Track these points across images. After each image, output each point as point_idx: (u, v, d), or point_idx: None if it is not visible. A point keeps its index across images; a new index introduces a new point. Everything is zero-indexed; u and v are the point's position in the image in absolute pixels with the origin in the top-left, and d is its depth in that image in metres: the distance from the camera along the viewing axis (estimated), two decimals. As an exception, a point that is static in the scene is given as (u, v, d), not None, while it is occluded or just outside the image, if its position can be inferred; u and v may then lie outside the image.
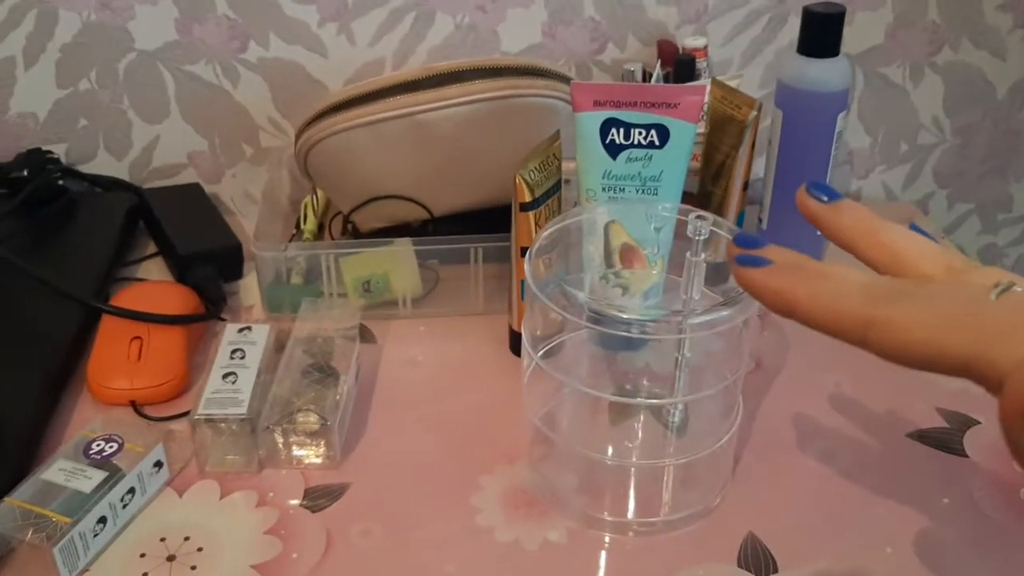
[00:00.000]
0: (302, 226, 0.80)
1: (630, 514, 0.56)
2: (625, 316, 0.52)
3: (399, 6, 0.78)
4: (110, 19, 0.77)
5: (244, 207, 0.86)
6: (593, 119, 0.61)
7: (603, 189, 0.63)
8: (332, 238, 0.78)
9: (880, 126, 0.88)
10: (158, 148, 0.83)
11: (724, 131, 0.70)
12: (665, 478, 0.58)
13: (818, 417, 0.63)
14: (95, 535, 0.50)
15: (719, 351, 0.58)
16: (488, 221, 0.73)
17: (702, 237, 0.55)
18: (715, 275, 0.57)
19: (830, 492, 0.57)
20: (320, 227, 0.80)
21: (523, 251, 0.64)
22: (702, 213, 0.55)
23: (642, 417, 0.62)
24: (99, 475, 0.51)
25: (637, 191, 0.63)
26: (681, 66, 0.76)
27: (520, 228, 0.63)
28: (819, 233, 0.71)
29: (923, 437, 0.62)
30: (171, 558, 0.51)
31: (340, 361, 0.63)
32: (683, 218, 0.58)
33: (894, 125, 0.88)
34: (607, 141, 0.62)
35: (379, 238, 0.72)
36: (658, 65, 0.76)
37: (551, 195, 0.64)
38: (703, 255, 0.55)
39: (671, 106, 0.61)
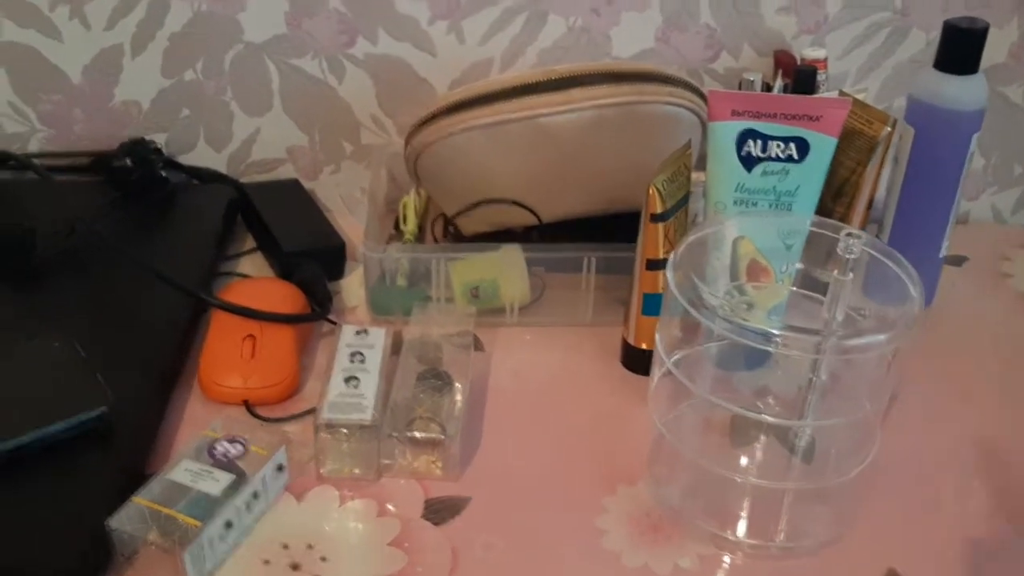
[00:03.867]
0: (402, 227, 0.78)
1: (761, 538, 0.54)
2: (771, 330, 0.50)
3: (511, 6, 0.76)
4: (221, 10, 0.76)
5: (341, 205, 0.85)
6: (730, 129, 0.59)
7: (735, 202, 0.61)
8: (435, 240, 0.76)
9: (995, 147, 0.85)
10: (258, 141, 0.82)
11: (851, 145, 0.68)
12: (790, 501, 0.56)
13: (947, 449, 0.61)
14: (221, 539, 0.49)
15: (862, 372, 0.55)
16: (591, 229, 0.72)
17: (853, 256, 0.52)
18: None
19: (967, 530, 0.55)
20: (420, 228, 0.79)
21: (648, 263, 0.62)
22: (853, 230, 0.53)
23: (764, 439, 0.60)
24: (227, 478, 0.50)
25: (770, 205, 0.60)
26: (801, 77, 0.73)
27: (648, 239, 0.61)
28: (940, 255, 0.68)
29: (1062, 475, 0.59)
30: (295, 566, 0.50)
31: (452, 368, 0.61)
32: (825, 232, 0.56)
33: (1010, 146, 0.85)
34: (743, 153, 0.60)
35: (483, 243, 0.70)
36: (779, 76, 0.74)
37: (680, 206, 0.62)
38: (850, 274, 0.53)
39: (813, 119, 0.59)
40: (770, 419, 0.58)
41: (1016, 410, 0.64)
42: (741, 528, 0.55)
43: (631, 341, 0.66)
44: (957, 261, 0.80)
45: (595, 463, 0.58)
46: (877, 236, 0.74)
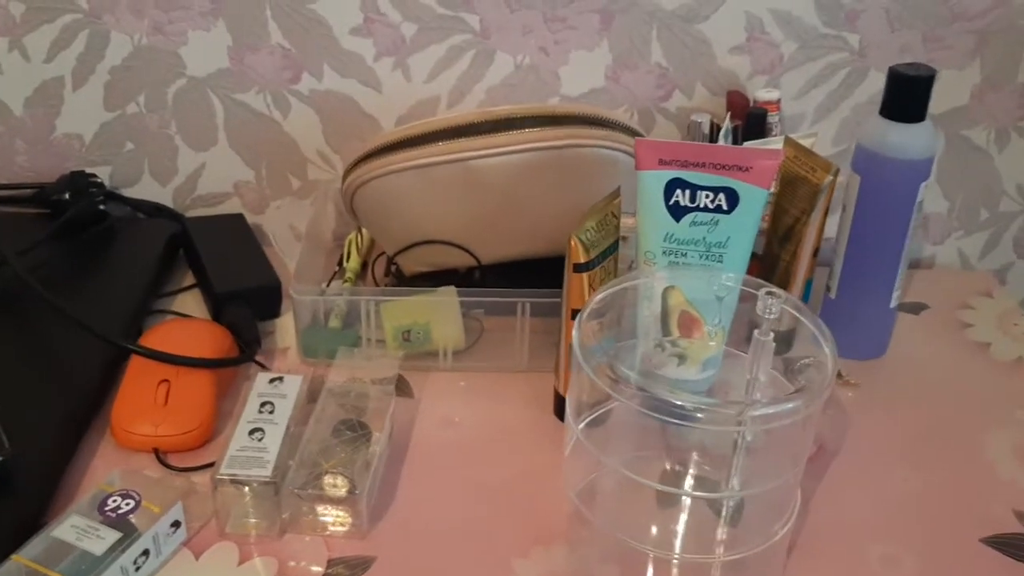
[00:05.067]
0: (345, 264, 0.77)
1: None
2: (680, 403, 0.48)
3: (459, 43, 0.75)
4: (162, 44, 0.75)
5: (286, 241, 0.84)
6: (657, 178, 0.57)
7: (664, 253, 0.59)
8: (375, 279, 0.75)
9: (960, 191, 0.83)
10: (203, 176, 0.81)
11: (795, 192, 0.66)
12: (713, 572, 0.54)
13: (881, 513, 0.58)
14: (103, 601, 0.47)
15: (782, 434, 0.53)
16: (539, 270, 0.70)
17: (772, 316, 0.50)
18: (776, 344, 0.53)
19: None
20: (363, 266, 0.77)
21: (574, 313, 0.60)
22: (773, 289, 0.51)
23: (690, 502, 0.58)
24: (113, 535, 0.48)
25: (701, 257, 0.58)
26: (752, 120, 0.72)
27: (572, 289, 0.59)
28: (892, 305, 0.65)
29: (999, 543, 0.56)
30: (181, 630, 0.48)
31: (374, 417, 0.59)
32: (750, 290, 0.54)
33: (975, 190, 0.83)
34: (671, 203, 0.58)
35: (423, 285, 0.68)
36: (727, 118, 0.72)
37: (607, 255, 0.60)
38: (771, 335, 0.51)
39: (743, 169, 0.57)
40: (692, 493, 0.56)
41: (955, 469, 0.61)
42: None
43: (561, 392, 0.64)
44: (915, 309, 0.78)
45: (513, 521, 0.56)
46: (827, 284, 0.72)
